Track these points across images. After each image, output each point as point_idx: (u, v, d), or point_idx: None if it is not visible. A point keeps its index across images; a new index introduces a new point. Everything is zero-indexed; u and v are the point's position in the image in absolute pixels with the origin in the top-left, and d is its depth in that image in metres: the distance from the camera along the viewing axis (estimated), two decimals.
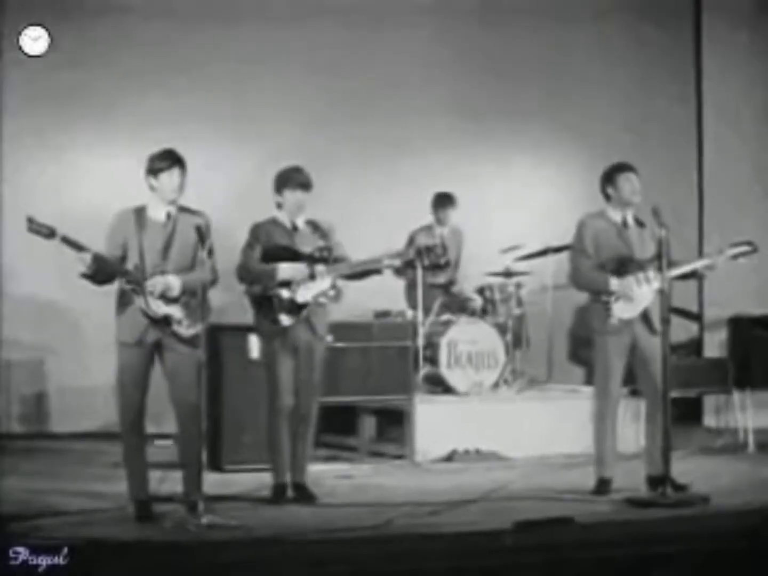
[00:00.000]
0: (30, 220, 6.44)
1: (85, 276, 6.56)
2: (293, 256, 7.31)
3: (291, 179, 7.36)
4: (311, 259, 7.31)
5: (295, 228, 7.42)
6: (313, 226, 7.49)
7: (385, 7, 11.21)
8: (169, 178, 6.72)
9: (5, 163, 10.24)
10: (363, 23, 11.15)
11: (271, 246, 7.33)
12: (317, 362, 7.39)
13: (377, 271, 7.55)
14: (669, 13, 12.02)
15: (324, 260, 7.33)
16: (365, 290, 10.11)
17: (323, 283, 7.31)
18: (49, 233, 6.44)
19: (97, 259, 6.50)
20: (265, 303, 7.28)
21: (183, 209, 6.84)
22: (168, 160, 6.75)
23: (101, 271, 6.55)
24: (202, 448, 6.79)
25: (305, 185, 7.35)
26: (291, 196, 7.35)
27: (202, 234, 6.67)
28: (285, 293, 7.24)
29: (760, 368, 9.69)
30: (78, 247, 6.47)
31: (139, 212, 6.76)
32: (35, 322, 10.23)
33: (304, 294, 7.27)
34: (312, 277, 7.28)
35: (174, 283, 6.68)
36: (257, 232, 7.38)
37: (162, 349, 6.74)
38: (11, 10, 9.60)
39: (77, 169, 10.32)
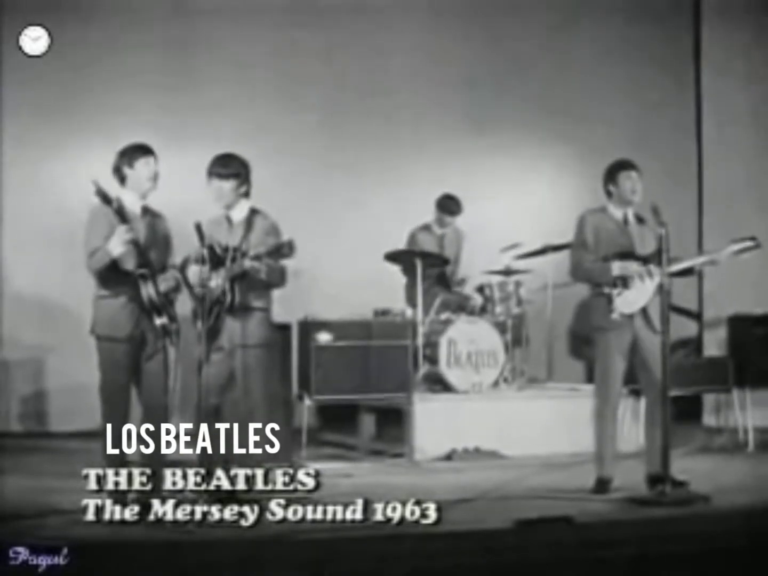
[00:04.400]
0: (95, 184, 6.59)
1: (108, 263, 6.59)
2: (209, 256, 6.93)
3: (209, 169, 7.08)
4: (216, 261, 6.94)
5: (230, 221, 7.13)
6: (249, 220, 7.08)
7: (385, 5, 11.22)
8: (145, 166, 6.77)
9: (5, 162, 10.24)
10: (364, 21, 11.16)
11: (208, 242, 6.97)
12: (240, 370, 7.02)
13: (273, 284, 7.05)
14: (669, 13, 12.03)
15: (222, 262, 6.93)
16: (365, 288, 10.17)
17: (218, 289, 6.94)
18: (108, 200, 6.60)
19: (135, 241, 6.61)
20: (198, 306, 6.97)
21: (149, 209, 6.89)
22: (142, 149, 6.82)
23: (128, 256, 6.60)
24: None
25: (222, 175, 7.02)
26: (211, 184, 7.07)
27: (202, 230, 6.72)
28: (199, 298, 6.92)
29: (760, 367, 9.69)
30: (124, 219, 6.57)
31: (117, 205, 6.76)
32: (34, 321, 10.25)
33: (209, 298, 6.89)
34: (209, 279, 6.89)
35: (179, 278, 6.75)
36: (207, 227, 7.08)
37: (142, 343, 6.76)
38: (11, 10, 9.60)
39: (78, 169, 10.31)
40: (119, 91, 10.39)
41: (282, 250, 6.75)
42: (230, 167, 7.07)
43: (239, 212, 7.13)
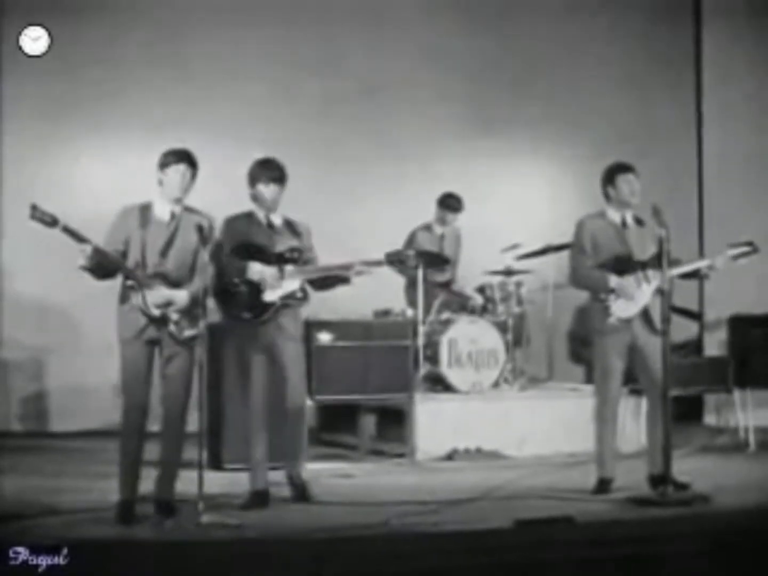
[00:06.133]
0: (33, 207, 6.38)
1: (84, 268, 6.52)
2: (263, 254, 7.19)
3: (263, 173, 7.26)
4: (282, 259, 7.21)
5: (270, 225, 7.32)
6: (289, 225, 7.40)
7: (386, 5, 11.22)
8: (175, 173, 6.69)
9: (5, 162, 10.23)
10: (365, 22, 11.17)
11: (242, 242, 7.18)
12: (288, 362, 7.22)
13: (344, 280, 7.37)
14: (670, 13, 12.02)
15: (294, 261, 7.23)
16: (366, 288, 10.15)
17: (292, 285, 7.21)
18: (52, 222, 6.38)
19: (97, 252, 6.46)
20: (229, 299, 7.15)
21: (188, 209, 6.83)
22: (176, 155, 6.74)
23: (100, 265, 6.51)
24: (182, 450, 6.81)
25: (278, 179, 7.26)
26: (265, 189, 7.25)
27: (203, 233, 6.67)
28: (251, 290, 7.12)
29: (761, 367, 9.68)
30: (79, 238, 6.42)
31: (144, 209, 6.74)
32: (35, 322, 10.23)
33: (271, 294, 7.17)
34: (281, 276, 7.18)
35: (181, 297, 6.67)
36: (230, 226, 7.24)
37: (160, 348, 6.72)
38: (11, 10, 9.59)
39: (78, 169, 10.32)
40: (120, 91, 10.38)
41: (329, 281, 7.38)
42: (282, 172, 7.31)
43: (277, 217, 7.36)
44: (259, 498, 7.17)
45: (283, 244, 7.27)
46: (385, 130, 11.17)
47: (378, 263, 7.39)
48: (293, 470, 7.37)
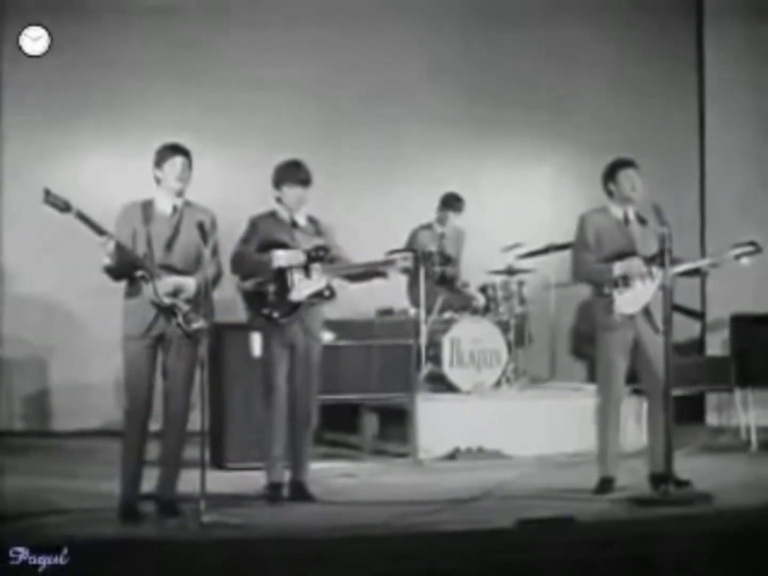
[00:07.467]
0: (47, 192, 6.36)
1: (107, 270, 6.52)
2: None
3: (290, 175, 7.30)
4: (308, 257, 7.26)
5: (294, 224, 7.36)
6: (314, 223, 7.44)
7: (386, 8, 11.23)
8: (172, 167, 6.71)
9: (6, 163, 10.24)
10: (366, 25, 11.17)
11: (267, 240, 7.25)
12: (313, 361, 7.32)
13: (381, 274, 7.51)
14: (671, 14, 12.02)
15: (320, 259, 7.28)
16: (368, 288, 10.15)
17: (318, 283, 7.28)
18: (65, 207, 6.36)
19: (118, 246, 6.47)
20: (257, 298, 7.23)
21: (190, 204, 6.84)
22: (170, 150, 6.75)
23: (121, 262, 6.50)
24: (183, 448, 6.81)
25: (304, 181, 7.29)
26: (290, 191, 7.30)
27: (204, 230, 6.66)
28: (279, 289, 7.20)
29: (762, 366, 9.68)
30: (96, 228, 6.40)
31: (146, 205, 6.75)
32: (37, 321, 10.24)
33: (298, 292, 7.23)
34: (307, 275, 7.25)
35: (189, 284, 6.67)
36: (255, 225, 7.32)
37: (165, 342, 6.71)
38: (11, 10, 9.59)
39: (79, 170, 10.31)
40: (120, 91, 10.38)
41: (365, 274, 7.56)
42: (308, 174, 7.33)
43: (301, 216, 7.39)
44: (276, 490, 7.24)
45: (308, 242, 7.32)
46: (388, 133, 11.18)
47: (406, 258, 7.52)
48: (297, 471, 7.38)
